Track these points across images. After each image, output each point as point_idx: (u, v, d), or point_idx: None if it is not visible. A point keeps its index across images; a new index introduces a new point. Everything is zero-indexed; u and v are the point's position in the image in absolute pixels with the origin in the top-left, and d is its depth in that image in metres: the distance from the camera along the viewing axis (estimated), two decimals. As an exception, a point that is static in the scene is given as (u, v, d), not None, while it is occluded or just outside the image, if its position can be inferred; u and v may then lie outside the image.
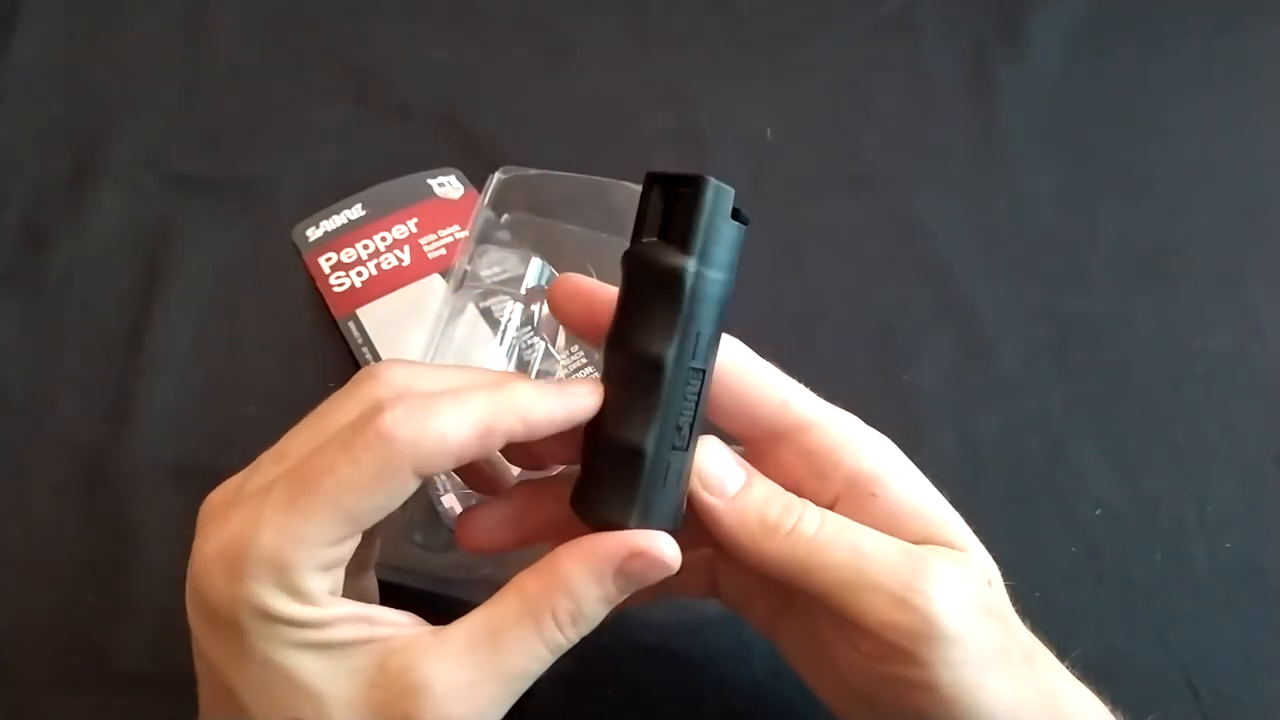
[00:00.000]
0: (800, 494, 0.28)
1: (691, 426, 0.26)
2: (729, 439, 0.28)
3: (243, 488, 0.25)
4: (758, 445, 0.29)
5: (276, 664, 0.23)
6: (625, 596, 0.26)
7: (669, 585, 0.26)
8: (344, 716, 0.23)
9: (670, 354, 0.25)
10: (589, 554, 0.25)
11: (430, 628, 0.25)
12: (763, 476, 0.28)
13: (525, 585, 0.25)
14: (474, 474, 0.29)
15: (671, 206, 0.25)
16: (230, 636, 0.23)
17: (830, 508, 0.28)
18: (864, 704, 0.29)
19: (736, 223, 0.25)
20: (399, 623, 0.25)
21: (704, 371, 0.26)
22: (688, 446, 0.26)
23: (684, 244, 0.25)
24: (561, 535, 0.27)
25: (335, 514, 0.23)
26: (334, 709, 0.23)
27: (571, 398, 0.25)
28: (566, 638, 0.25)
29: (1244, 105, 0.56)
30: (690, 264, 0.25)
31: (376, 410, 0.23)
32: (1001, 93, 0.55)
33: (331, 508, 0.23)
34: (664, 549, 0.25)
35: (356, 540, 0.24)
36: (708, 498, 0.27)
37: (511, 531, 0.28)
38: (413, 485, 0.24)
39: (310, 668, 0.23)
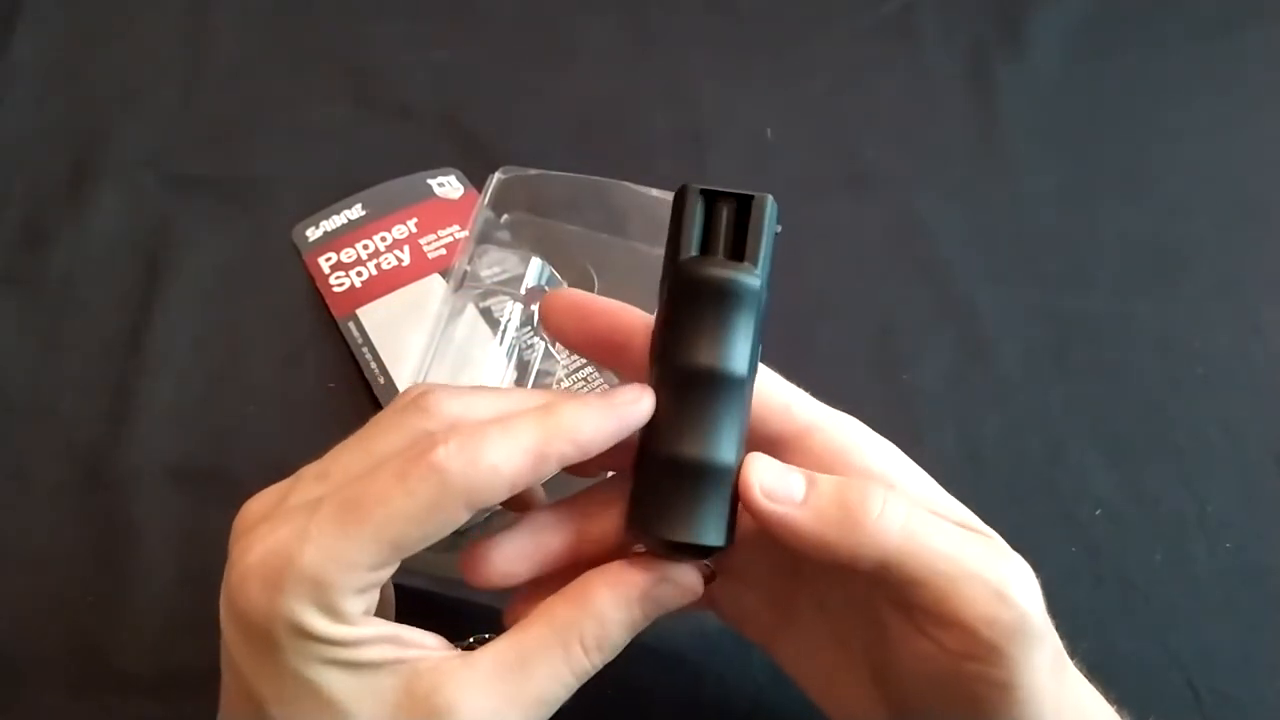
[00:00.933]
0: None
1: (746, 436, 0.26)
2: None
3: (284, 501, 0.25)
4: (762, 450, 0.28)
5: (306, 680, 0.23)
6: (649, 623, 0.26)
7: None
8: None
9: (748, 368, 0.26)
10: (618, 580, 0.25)
11: (458, 651, 0.25)
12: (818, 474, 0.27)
13: (554, 611, 0.25)
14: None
15: (719, 221, 0.26)
16: (263, 648, 0.23)
17: None
18: (900, 706, 0.28)
19: None
20: (427, 644, 0.25)
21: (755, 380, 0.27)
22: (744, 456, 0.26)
23: (754, 260, 0.26)
24: (578, 566, 0.26)
25: (383, 541, 0.23)
26: None
27: (621, 408, 0.25)
28: (592, 663, 0.25)
29: (1244, 105, 0.56)
30: (757, 281, 0.26)
31: (430, 443, 0.23)
32: (1001, 93, 0.55)
33: (380, 535, 0.23)
34: (687, 575, 0.26)
35: (396, 565, 0.24)
36: (778, 508, 0.25)
37: (524, 566, 0.27)
38: (463, 518, 0.24)
39: (338, 686, 0.23)
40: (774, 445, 0.28)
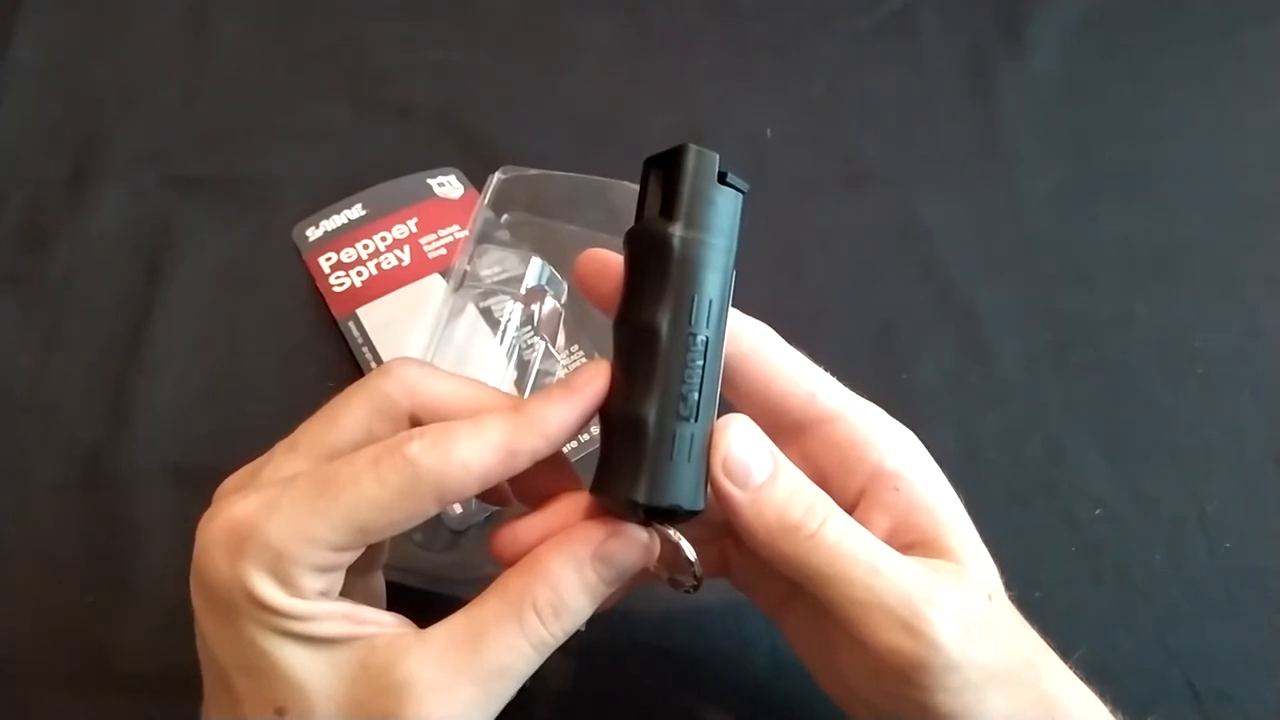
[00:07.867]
0: (825, 485, 0.28)
1: (700, 397, 0.25)
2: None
3: (256, 475, 0.25)
4: (784, 434, 0.29)
5: (263, 650, 0.24)
6: (611, 587, 0.26)
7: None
8: (326, 710, 0.24)
9: (663, 319, 0.25)
10: (565, 540, 0.26)
11: (416, 629, 0.25)
12: (791, 467, 0.27)
13: (507, 582, 0.25)
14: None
15: (659, 181, 0.26)
16: (224, 615, 0.24)
17: (855, 500, 0.28)
18: (862, 702, 0.29)
19: (726, 188, 0.26)
20: (384, 622, 0.25)
21: (708, 340, 0.25)
22: (695, 418, 0.25)
23: (669, 211, 0.25)
24: None
25: (349, 523, 0.24)
26: (317, 702, 0.24)
27: (579, 391, 0.25)
28: (550, 632, 0.25)
29: (1244, 105, 0.56)
30: (675, 229, 0.25)
31: (406, 436, 0.24)
32: (1001, 93, 0.55)
33: (347, 517, 0.23)
34: (639, 530, 0.26)
35: (359, 552, 0.25)
36: (729, 486, 0.26)
37: None
38: (431, 510, 0.24)
39: (294, 659, 0.24)
40: (796, 430, 0.28)
